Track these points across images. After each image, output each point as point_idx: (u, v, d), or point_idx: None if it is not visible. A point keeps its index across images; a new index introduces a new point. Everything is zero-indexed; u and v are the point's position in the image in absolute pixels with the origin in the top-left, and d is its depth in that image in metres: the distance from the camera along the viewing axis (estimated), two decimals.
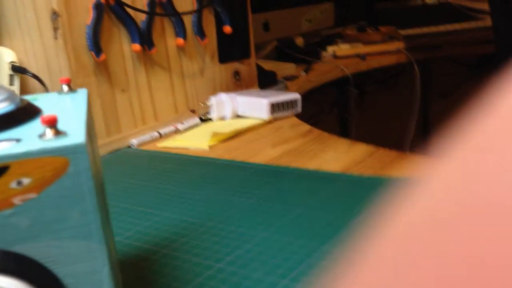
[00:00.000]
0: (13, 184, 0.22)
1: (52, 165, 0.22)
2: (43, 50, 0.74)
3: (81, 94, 0.35)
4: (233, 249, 0.43)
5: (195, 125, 0.90)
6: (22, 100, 0.29)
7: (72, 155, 0.22)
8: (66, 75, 0.73)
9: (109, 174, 0.67)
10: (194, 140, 0.80)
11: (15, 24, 0.75)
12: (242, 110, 0.92)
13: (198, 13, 0.92)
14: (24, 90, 0.77)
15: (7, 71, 0.75)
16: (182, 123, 0.89)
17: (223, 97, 0.93)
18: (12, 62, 0.75)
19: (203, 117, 0.92)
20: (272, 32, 1.49)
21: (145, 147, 0.80)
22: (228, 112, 0.92)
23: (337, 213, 0.49)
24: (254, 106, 0.91)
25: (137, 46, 0.81)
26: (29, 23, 0.73)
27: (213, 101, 0.92)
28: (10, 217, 0.22)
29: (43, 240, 0.22)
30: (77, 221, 0.23)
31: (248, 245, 0.44)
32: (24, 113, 0.28)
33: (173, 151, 0.76)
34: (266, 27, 1.48)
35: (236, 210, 0.52)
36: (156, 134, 0.85)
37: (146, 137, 0.83)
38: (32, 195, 0.22)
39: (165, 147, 0.79)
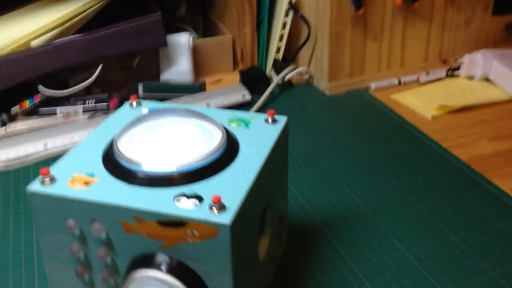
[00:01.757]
0: (189, 232, 0.37)
1: (210, 229, 0.36)
2: None
3: (276, 129, 0.46)
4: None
5: (439, 79, 0.92)
6: (227, 142, 0.42)
7: (221, 228, 0.36)
8: (327, 22, 0.83)
9: (333, 115, 0.79)
10: (423, 102, 0.84)
11: None
12: (493, 76, 0.90)
13: None
14: (294, 26, 0.90)
15: (286, 5, 0.89)
16: (427, 73, 0.92)
17: (478, 58, 0.91)
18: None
19: (450, 72, 0.93)
20: None
21: (379, 94, 0.88)
22: (478, 74, 0.91)
23: None
24: (507, 78, 0.88)
25: (399, 0, 0.85)
26: None
27: (465, 59, 0.92)
28: (184, 247, 0.37)
29: (196, 263, 0.37)
30: (215, 267, 0.37)
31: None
32: (223, 161, 0.41)
33: (396, 109, 0.82)
34: None
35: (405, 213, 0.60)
36: (395, 81, 0.91)
37: (385, 83, 0.90)
38: (198, 241, 0.37)
39: (395, 101, 0.85)
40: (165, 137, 0.44)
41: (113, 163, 0.41)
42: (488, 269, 0.52)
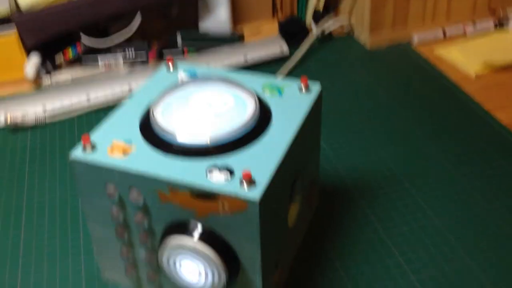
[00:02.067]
0: (220, 205, 0.38)
1: (240, 203, 0.37)
2: None
3: (309, 98, 0.47)
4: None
5: (486, 31, 0.89)
6: (260, 114, 0.43)
7: (250, 204, 0.37)
8: None
9: (373, 71, 0.78)
10: (468, 57, 0.81)
11: None
12: None
13: None
14: None
15: None
16: (474, 24, 0.89)
17: None
18: None
19: (498, 24, 0.89)
20: None
21: (422, 48, 0.85)
22: None
23: None
24: None
25: None
26: None
27: None
28: (216, 218, 0.39)
29: (227, 233, 0.39)
30: (245, 237, 0.38)
31: None
32: (255, 133, 0.42)
33: (439, 66, 0.80)
34: None
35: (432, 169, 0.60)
36: (440, 34, 0.88)
37: (429, 35, 0.87)
38: (228, 213, 0.38)
39: (438, 57, 0.83)
40: (200, 107, 0.45)
41: (149, 132, 0.43)
42: None
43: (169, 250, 0.41)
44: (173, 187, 0.39)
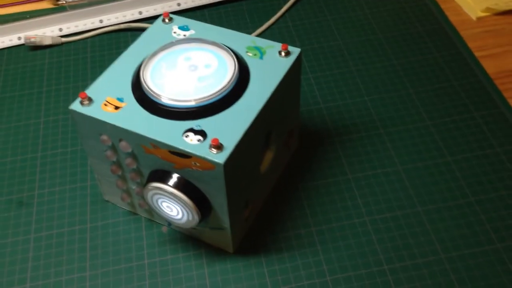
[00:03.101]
0: (193, 163, 0.45)
1: (208, 164, 0.44)
2: None
3: (287, 62, 0.51)
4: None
5: None
6: (239, 78, 0.48)
7: (217, 165, 0.44)
8: None
9: (373, 7, 0.80)
10: (472, 1, 0.82)
11: None
12: None
13: None
14: None
15: None
16: None
17: None
18: None
19: None
20: None
21: None
22: None
23: None
24: None
25: None
26: None
27: None
28: (190, 171, 0.46)
29: (199, 183, 0.47)
30: (214, 188, 0.46)
31: None
32: (231, 97, 0.48)
33: (442, 5, 0.81)
34: None
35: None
36: None
37: None
38: (199, 170, 0.45)
39: None
40: (185, 69, 0.50)
41: (139, 91, 0.49)
42: (467, 195, 0.58)
43: (151, 192, 0.49)
44: (154, 144, 0.46)
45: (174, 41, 0.53)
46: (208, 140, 0.45)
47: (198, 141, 0.45)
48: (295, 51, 0.53)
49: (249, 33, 0.77)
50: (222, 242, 0.53)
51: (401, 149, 0.63)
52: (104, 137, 0.49)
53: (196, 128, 0.46)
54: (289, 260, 0.54)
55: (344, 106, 0.68)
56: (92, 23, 0.80)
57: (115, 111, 0.48)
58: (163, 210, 0.50)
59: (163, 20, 0.57)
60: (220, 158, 0.44)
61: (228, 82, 0.48)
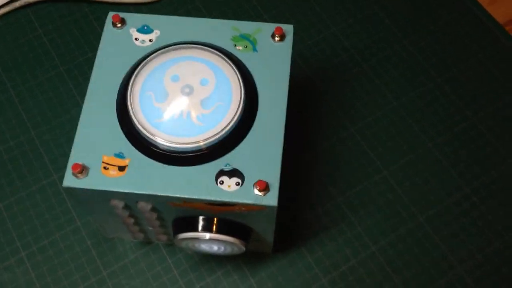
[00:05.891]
0: (237, 208, 0.39)
1: (258, 207, 0.39)
2: None
3: (286, 48, 0.43)
4: None
5: None
6: (246, 93, 0.41)
7: (269, 207, 0.38)
8: None
9: None
10: None
11: None
12: None
13: None
14: None
15: None
16: None
17: None
18: None
19: None
20: None
21: None
22: None
23: None
24: None
25: None
26: None
27: None
28: (240, 212, 0.40)
29: (241, 218, 0.41)
30: (261, 221, 0.41)
31: None
32: (249, 115, 0.41)
33: None
34: None
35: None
36: None
37: None
38: (245, 211, 0.40)
39: None
40: (178, 94, 0.41)
41: (139, 141, 0.40)
42: (469, 114, 0.58)
43: (185, 242, 0.43)
44: (186, 200, 0.39)
45: (146, 55, 0.43)
46: (248, 181, 0.39)
47: (237, 184, 0.39)
48: (289, 29, 0.45)
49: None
50: (259, 247, 0.50)
51: (394, 85, 0.60)
52: (115, 201, 0.41)
53: (226, 169, 0.39)
54: (329, 240, 0.52)
55: (331, 51, 0.62)
56: None
57: (122, 173, 0.39)
58: (200, 249, 0.45)
59: (114, 25, 0.45)
60: (271, 200, 0.39)
61: (240, 100, 0.41)
